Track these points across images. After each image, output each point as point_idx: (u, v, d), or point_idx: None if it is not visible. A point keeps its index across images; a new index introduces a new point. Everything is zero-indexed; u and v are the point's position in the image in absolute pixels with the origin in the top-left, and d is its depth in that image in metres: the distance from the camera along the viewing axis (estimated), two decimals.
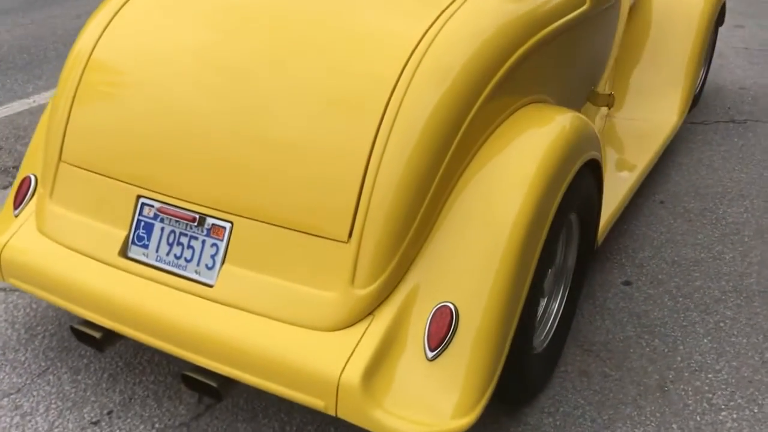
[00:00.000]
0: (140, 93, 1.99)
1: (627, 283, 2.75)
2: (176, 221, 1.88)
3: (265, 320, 1.73)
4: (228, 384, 1.80)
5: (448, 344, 1.66)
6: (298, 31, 1.90)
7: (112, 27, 2.11)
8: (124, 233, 1.94)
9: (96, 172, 2.01)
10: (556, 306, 2.27)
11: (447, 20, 1.79)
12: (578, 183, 2.05)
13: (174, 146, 1.89)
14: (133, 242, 1.94)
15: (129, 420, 2.09)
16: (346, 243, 1.69)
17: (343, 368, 1.62)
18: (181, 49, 1.99)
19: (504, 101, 1.90)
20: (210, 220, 1.84)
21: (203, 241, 1.85)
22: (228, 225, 1.82)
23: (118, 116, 2.00)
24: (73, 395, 2.18)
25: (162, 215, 1.90)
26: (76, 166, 2.05)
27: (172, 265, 1.88)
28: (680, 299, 2.67)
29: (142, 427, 2.07)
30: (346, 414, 1.62)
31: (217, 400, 1.84)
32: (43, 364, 2.30)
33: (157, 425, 2.08)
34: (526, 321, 1.87)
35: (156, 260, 1.90)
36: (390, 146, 1.68)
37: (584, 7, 2.21)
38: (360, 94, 1.74)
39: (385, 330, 1.67)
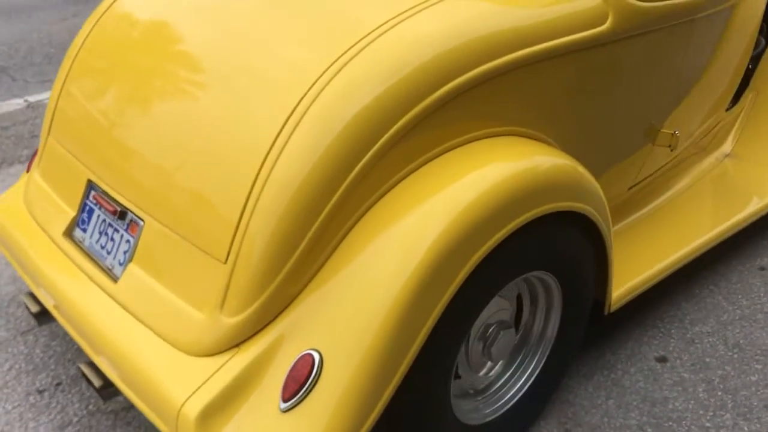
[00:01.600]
0: (112, 79, 1.99)
1: (662, 360, 2.31)
2: (105, 211, 1.86)
3: (143, 328, 1.65)
4: (109, 388, 1.75)
5: (305, 396, 1.47)
6: (205, 60, 1.80)
7: (111, 9, 2.13)
8: (73, 214, 1.96)
9: (67, 151, 2.05)
10: (523, 377, 1.95)
11: (356, 54, 1.56)
12: (541, 240, 1.74)
13: (121, 137, 1.87)
14: (77, 224, 1.95)
15: (70, 395, 2.14)
16: (224, 264, 1.56)
17: (188, 398, 1.50)
18: (150, 42, 1.97)
19: (434, 136, 1.64)
20: (130, 215, 1.79)
21: (122, 236, 1.81)
22: (141, 223, 1.76)
23: (91, 100, 2.02)
24: (38, 360, 2.27)
25: (96, 202, 1.89)
26: (57, 142, 2.11)
27: (98, 254, 1.86)
28: (719, 393, 2.18)
29: (78, 405, 2.10)
30: None
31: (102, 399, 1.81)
32: (31, 323, 2.42)
33: (90, 407, 2.10)
34: (435, 388, 1.62)
35: (89, 246, 1.89)
36: (276, 171, 1.51)
37: (602, 27, 1.82)
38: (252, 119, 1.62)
39: (245, 367, 1.52)
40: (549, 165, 1.71)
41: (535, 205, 1.63)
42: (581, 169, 1.81)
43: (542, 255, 1.77)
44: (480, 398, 1.90)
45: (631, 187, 2.42)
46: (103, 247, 1.85)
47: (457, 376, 1.82)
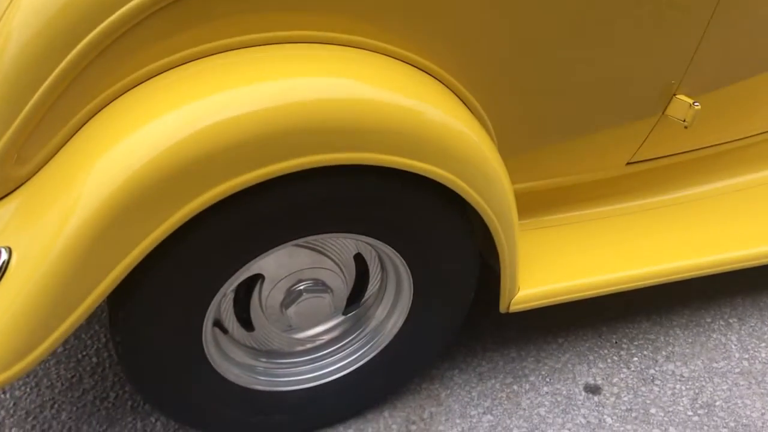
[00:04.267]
0: None
1: (592, 390, 1.77)
2: None
3: None
4: None
5: None
6: None
7: None
8: None
9: None
10: (341, 362, 1.57)
11: None
12: (361, 198, 1.29)
13: None
14: None
15: None
16: None
17: None
18: None
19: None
20: None
21: None
22: None
23: None
24: None
25: None
26: None
27: None
28: None
29: None
30: None
31: None
32: None
33: None
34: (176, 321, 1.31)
35: None
36: None
37: None
38: None
39: None
40: (350, 98, 1.21)
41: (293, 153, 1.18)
42: (438, 116, 1.29)
43: (365, 218, 1.33)
44: (277, 362, 1.55)
45: (630, 163, 1.79)
46: None
47: (251, 328, 1.49)
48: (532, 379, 1.79)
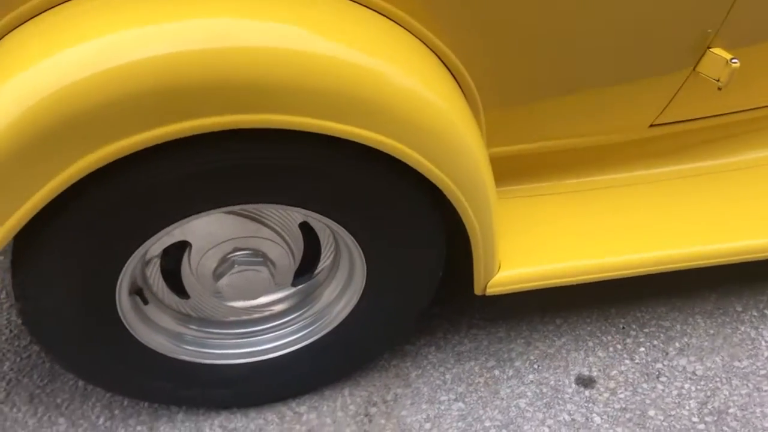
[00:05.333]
0: None
1: (585, 382, 1.55)
2: None
3: None
4: None
5: None
6: None
7: None
8: None
9: None
10: (281, 340, 1.41)
11: None
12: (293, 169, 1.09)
13: None
14: None
15: None
16: None
17: None
18: None
19: None
20: None
21: None
22: None
23: None
24: None
25: None
26: None
27: None
28: None
29: None
30: None
31: None
32: None
33: None
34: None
35: None
36: None
37: None
38: None
39: None
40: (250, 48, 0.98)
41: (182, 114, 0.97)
42: (386, 71, 1.05)
43: (298, 189, 1.12)
44: (211, 332, 1.40)
45: (654, 125, 1.50)
46: None
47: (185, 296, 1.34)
48: (517, 364, 1.59)
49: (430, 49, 1.20)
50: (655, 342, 1.64)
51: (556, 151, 1.50)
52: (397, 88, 1.07)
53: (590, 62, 1.32)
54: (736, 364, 1.60)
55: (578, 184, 1.55)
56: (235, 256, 1.26)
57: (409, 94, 1.09)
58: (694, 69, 1.35)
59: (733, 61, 1.28)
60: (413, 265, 1.31)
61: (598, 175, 1.57)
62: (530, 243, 1.45)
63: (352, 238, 1.22)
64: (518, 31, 1.22)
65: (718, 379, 1.56)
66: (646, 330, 1.67)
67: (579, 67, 1.32)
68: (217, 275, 1.27)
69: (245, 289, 1.29)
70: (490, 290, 1.38)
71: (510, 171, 1.50)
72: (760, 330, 1.67)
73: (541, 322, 1.68)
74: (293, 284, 1.39)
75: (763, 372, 1.58)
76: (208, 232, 1.23)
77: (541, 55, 1.27)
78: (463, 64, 1.23)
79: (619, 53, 1.31)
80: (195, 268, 1.28)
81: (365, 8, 1.13)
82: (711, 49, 1.31)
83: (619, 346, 1.63)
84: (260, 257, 1.27)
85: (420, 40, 1.18)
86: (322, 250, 1.35)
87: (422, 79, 1.12)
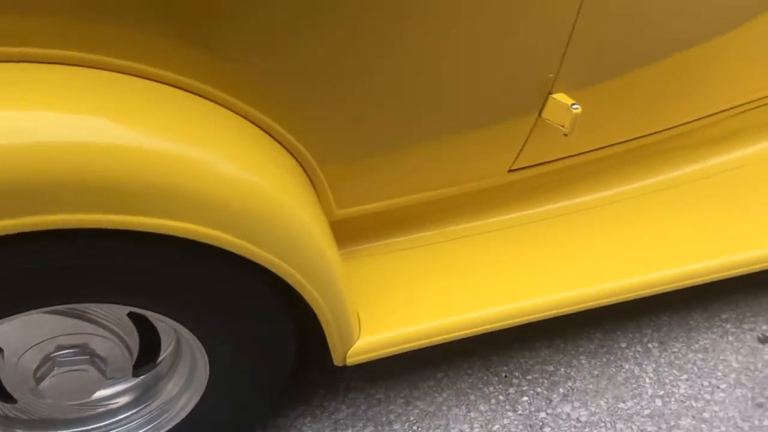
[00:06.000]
0: None
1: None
2: None
3: None
4: None
5: None
6: None
7: None
8: None
9: None
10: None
11: None
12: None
13: None
14: None
15: None
16: None
17: None
18: None
19: None
20: None
21: None
22: None
23: None
24: None
25: None
26: None
27: None
28: None
29: None
30: None
31: None
32: None
33: None
34: None
35: None
36: None
37: None
38: None
39: None
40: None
41: None
42: (197, 157, 0.96)
43: (112, 287, 1.03)
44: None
45: (512, 170, 1.46)
46: None
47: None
48: (396, 427, 1.51)
49: (256, 125, 1.12)
50: (539, 389, 1.58)
51: (414, 205, 1.44)
52: (208, 173, 0.99)
53: (432, 114, 1.26)
54: (621, 405, 1.56)
55: (439, 235, 1.49)
56: (56, 355, 1.15)
57: (222, 177, 1.00)
58: (540, 115, 1.31)
59: (574, 107, 1.24)
60: (259, 347, 1.22)
61: (460, 223, 1.51)
62: (392, 304, 1.38)
63: (187, 330, 1.13)
64: (348, 91, 1.15)
65: (602, 425, 1.52)
66: (529, 377, 1.61)
67: (421, 118, 1.26)
68: (38, 378, 1.16)
69: (71, 390, 1.18)
70: (351, 360, 1.30)
71: (365, 229, 1.43)
72: (643, 366, 1.63)
73: (421, 377, 1.61)
74: (135, 375, 1.28)
75: (646, 412, 1.54)
76: (22, 333, 1.12)
77: (377, 113, 1.20)
78: (292, 134, 1.15)
79: (462, 101, 1.26)
80: (11, 372, 1.17)
81: (176, 89, 1.04)
82: (552, 95, 1.27)
83: (501, 397, 1.57)
84: (86, 354, 1.16)
85: (240, 115, 1.10)
86: (162, 337, 1.25)
87: (238, 158, 1.04)
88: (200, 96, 1.06)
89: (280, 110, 1.11)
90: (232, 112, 1.09)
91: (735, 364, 1.64)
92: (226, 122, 1.07)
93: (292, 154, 1.18)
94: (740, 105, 1.69)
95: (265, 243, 1.05)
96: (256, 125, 1.12)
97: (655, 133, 1.56)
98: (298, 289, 1.13)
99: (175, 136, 0.98)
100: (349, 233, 1.41)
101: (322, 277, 1.16)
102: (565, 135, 1.28)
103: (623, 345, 1.68)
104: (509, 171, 1.45)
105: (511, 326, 1.41)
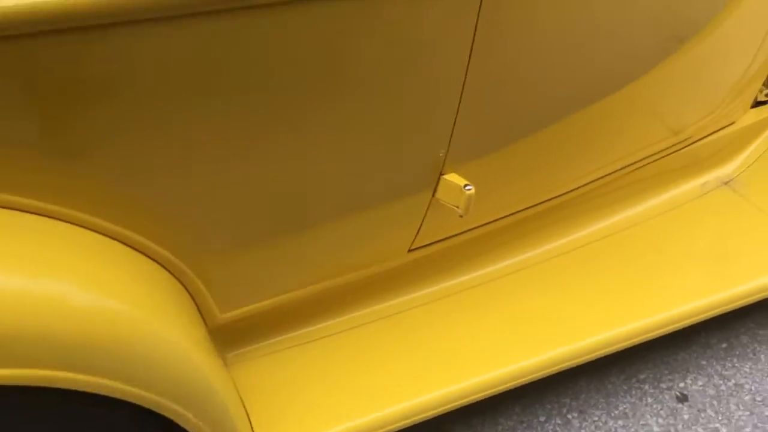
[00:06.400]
0: None
1: None
2: None
3: None
4: None
5: None
6: None
7: None
8: None
9: None
10: None
11: None
12: None
13: None
14: None
15: None
16: None
17: None
18: None
19: None
20: None
21: None
22: None
23: None
24: None
25: None
26: None
27: None
28: None
29: None
30: None
31: None
32: None
33: None
34: None
35: None
36: None
37: None
38: None
39: None
40: None
41: None
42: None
43: None
44: None
45: (412, 249, 1.37)
46: None
47: None
48: None
49: (120, 241, 0.98)
50: None
51: (308, 297, 1.32)
52: (55, 309, 0.85)
53: (319, 199, 1.15)
54: None
55: (340, 324, 1.38)
56: None
57: (71, 312, 0.86)
58: (433, 195, 1.22)
59: (467, 188, 1.16)
60: None
61: (361, 309, 1.41)
62: (296, 409, 1.25)
63: None
64: (213, 183, 1.03)
65: None
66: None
67: (306, 206, 1.15)
68: None
69: None
70: None
71: (256, 328, 1.30)
72: None
73: None
74: None
75: None
76: None
77: (253, 206, 1.09)
78: (157, 242, 1.02)
79: (350, 184, 1.16)
80: None
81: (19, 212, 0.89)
82: (444, 176, 1.19)
83: None
84: None
85: (98, 232, 0.96)
86: None
87: (94, 285, 0.90)
88: (49, 217, 0.92)
89: (142, 221, 0.98)
90: (88, 230, 0.95)
91: (656, 429, 1.59)
92: (78, 243, 0.93)
93: (161, 264, 1.05)
94: (639, 160, 1.67)
95: (130, 377, 0.92)
96: (120, 241, 0.99)
97: (556, 197, 1.50)
98: (169, 415, 0.99)
99: (18, 268, 0.84)
100: (238, 335, 1.28)
101: (203, 401, 1.03)
102: (461, 216, 1.20)
103: (542, 419, 1.60)
104: (409, 251, 1.36)
105: (426, 419, 1.31)
